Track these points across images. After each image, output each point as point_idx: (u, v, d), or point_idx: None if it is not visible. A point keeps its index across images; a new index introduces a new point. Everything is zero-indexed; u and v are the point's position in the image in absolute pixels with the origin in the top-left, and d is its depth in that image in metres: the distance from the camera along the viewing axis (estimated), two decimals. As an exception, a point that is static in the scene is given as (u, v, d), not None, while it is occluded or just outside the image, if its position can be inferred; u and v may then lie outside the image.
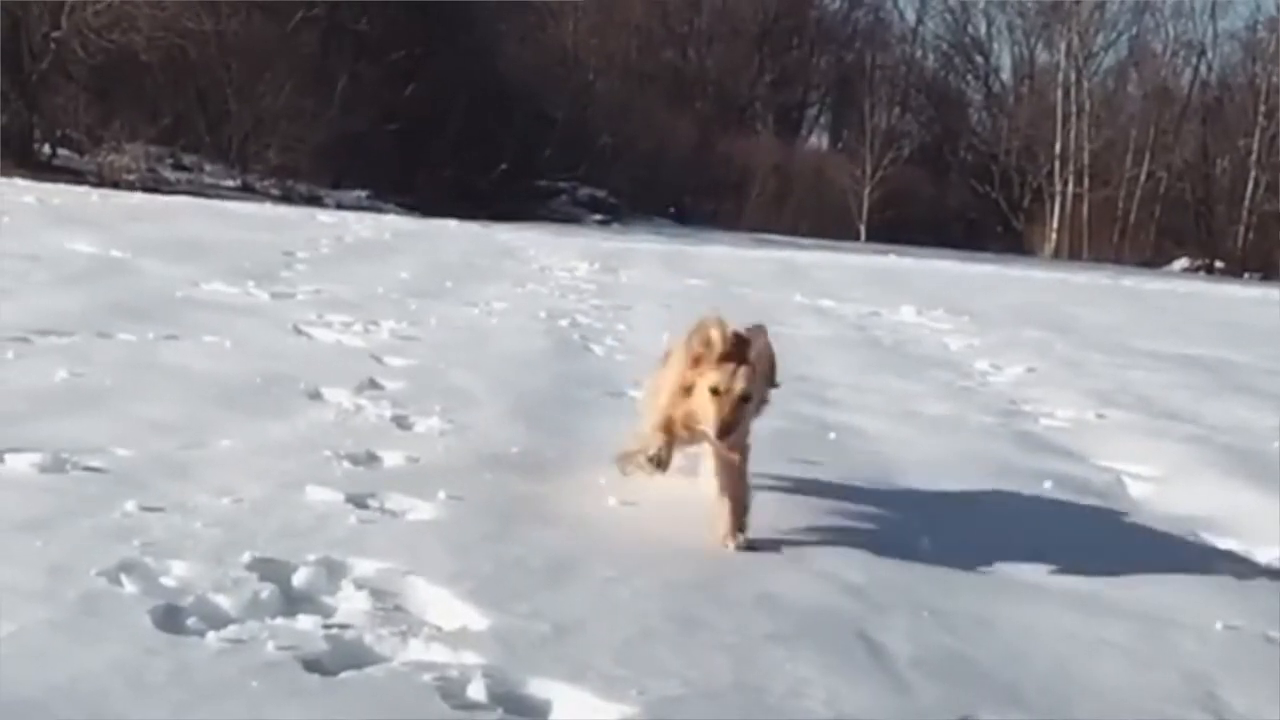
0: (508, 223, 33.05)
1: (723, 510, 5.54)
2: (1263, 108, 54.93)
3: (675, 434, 5.51)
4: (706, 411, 5.35)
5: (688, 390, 5.43)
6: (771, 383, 5.70)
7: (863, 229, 53.16)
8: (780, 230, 47.03)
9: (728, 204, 50.78)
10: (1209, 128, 58.09)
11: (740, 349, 5.44)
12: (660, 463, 5.46)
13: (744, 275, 22.83)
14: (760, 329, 5.66)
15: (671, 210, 48.27)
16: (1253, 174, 54.46)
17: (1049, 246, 55.39)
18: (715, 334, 5.44)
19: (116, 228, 18.92)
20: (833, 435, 8.11)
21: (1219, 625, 5.14)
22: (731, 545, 5.46)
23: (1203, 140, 57.67)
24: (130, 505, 5.39)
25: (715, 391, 5.32)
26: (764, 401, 5.68)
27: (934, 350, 13.95)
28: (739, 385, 5.33)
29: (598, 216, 43.17)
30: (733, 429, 5.35)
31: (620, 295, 16.65)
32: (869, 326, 15.85)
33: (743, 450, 5.62)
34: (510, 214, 36.28)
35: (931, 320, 17.03)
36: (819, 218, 52.47)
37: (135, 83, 36.76)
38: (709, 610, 4.79)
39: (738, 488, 5.58)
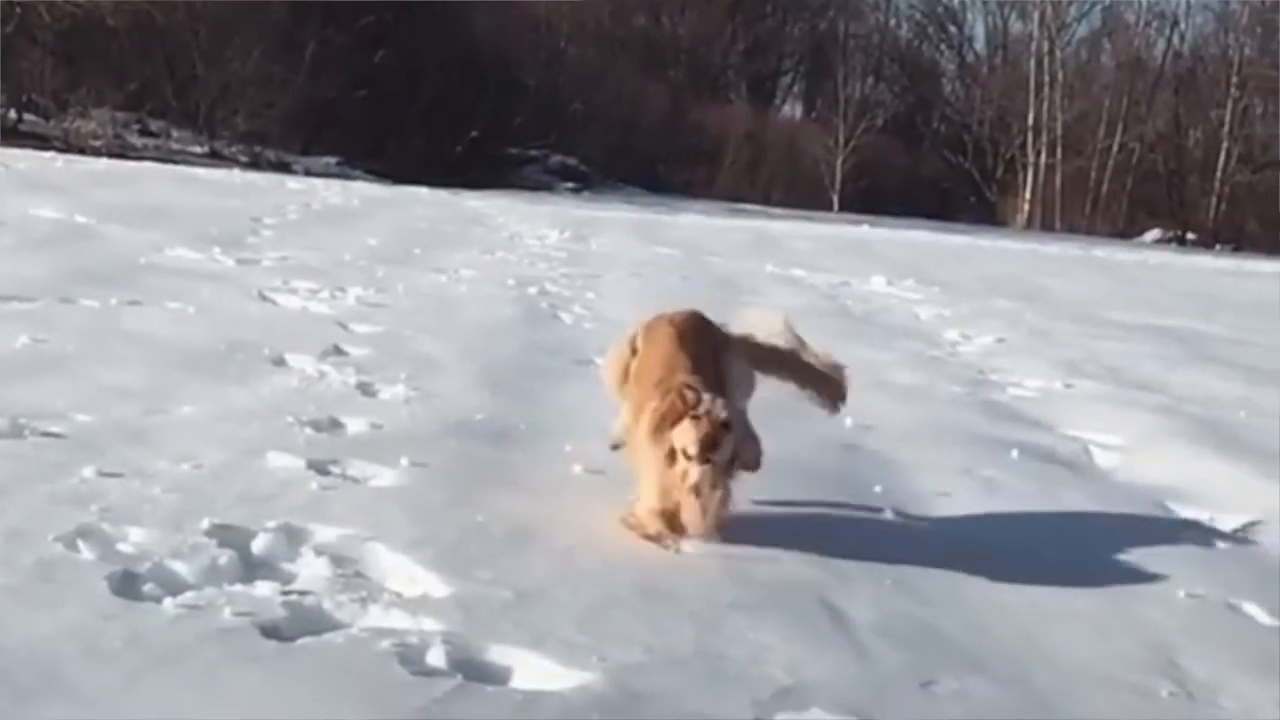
0: (479, 190, 32.93)
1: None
2: (1235, 79, 54.91)
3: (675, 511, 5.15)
4: (687, 436, 5.00)
5: (672, 456, 5.07)
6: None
7: (836, 198, 53.06)
8: (753, 199, 46.94)
9: (701, 172, 50.61)
10: (1181, 99, 58.05)
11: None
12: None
13: (716, 244, 22.79)
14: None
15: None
16: (1225, 145, 54.49)
17: (1021, 217, 55.37)
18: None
19: (82, 193, 18.76)
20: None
21: (1182, 593, 5.15)
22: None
23: (1175, 111, 57.64)
24: (89, 471, 5.35)
25: (695, 417, 5.01)
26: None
27: (904, 320, 13.96)
28: (720, 412, 5.03)
29: (569, 184, 42.96)
30: (716, 446, 4.98)
31: (590, 263, 16.59)
32: (840, 296, 15.83)
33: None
34: (481, 182, 36.10)
35: (902, 290, 17.03)
36: (792, 187, 52.30)
37: (102, 48, 36.31)
38: (673, 578, 4.77)
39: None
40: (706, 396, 5.07)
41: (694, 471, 5.01)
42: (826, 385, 6.10)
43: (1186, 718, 4.06)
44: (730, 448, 5.06)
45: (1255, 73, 54.97)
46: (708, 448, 4.97)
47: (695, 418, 4.99)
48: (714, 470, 5.02)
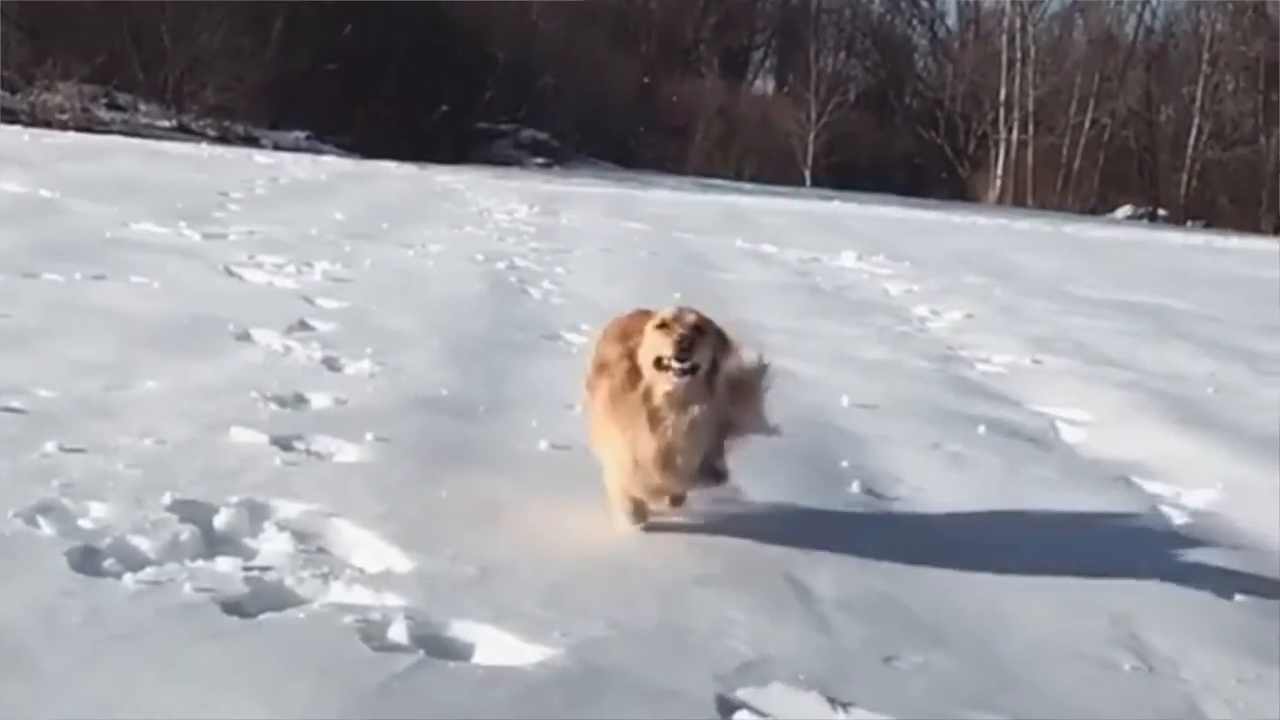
0: (448, 165, 32.83)
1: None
2: (1206, 55, 55.06)
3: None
4: (658, 343, 4.61)
5: (631, 365, 4.69)
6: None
7: (808, 174, 53.06)
8: (725, 174, 46.92)
9: (672, 148, 50.55)
10: (1153, 75, 58.20)
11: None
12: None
13: (686, 220, 22.75)
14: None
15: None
16: (1196, 121, 54.61)
17: (993, 193, 55.46)
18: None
19: (47, 167, 18.61)
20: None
21: (1146, 568, 5.16)
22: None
23: (1147, 87, 57.79)
24: (50, 446, 5.31)
25: (663, 325, 4.65)
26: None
27: (874, 296, 13.97)
28: (689, 316, 4.67)
29: (539, 159, 42.85)
30: (693, 350, 4.56)
31: (560, 239, 16.55)
32: (810, 272, 15.83)
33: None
34: (451, 156, 36.02)
35: (872, 266, 17.04)
36: (764, 162, 52.30)
37: (68, 21, 36.00)
38: (638, 554, 4.76)
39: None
40: (667, 309, 4.76)
41: (664, 382, 4.63)
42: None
43: (1148, 691, 4.06)
44: (709, 353, 4.67)
45: (1227, 49, 55.19)
46: (685, 348, 4.56)
47: (662, 325, 4.65)
48: (694, 385, 4.64)
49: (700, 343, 4.62)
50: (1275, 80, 53.93)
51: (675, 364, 4.58)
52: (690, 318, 4.66)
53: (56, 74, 34.79)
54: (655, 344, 4.63)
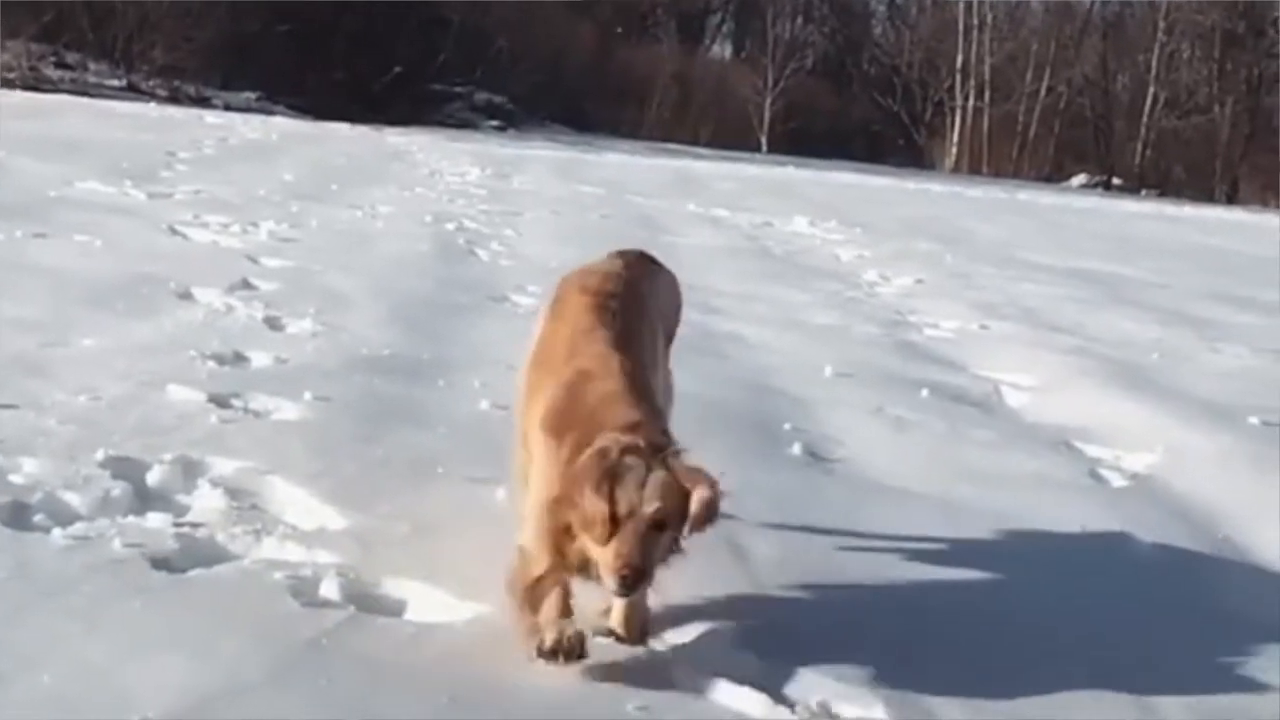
0: (402, 127, 32.61)
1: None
2: (1162, 24, 55.38)
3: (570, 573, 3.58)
4: (601, 553, 3.44)
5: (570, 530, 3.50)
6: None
7: (764, 140, 52.99)
8: (681, 140, 46.81)
9: (628, 112, 50.37)
10: (1109, 43, 58.50)
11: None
12: (568, 653, 3.50)
13: (639, 183, 22.71)
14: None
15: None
16: (1151, 90, 54.96)
17: (949, 160, 55.61)
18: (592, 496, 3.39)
19: (-8, 125, 18.40)
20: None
21: (1082, 531, 5.19)
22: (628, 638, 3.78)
23: (1103, 55, 58.07)
24: (-18, 403, 5.24)
25: (614, 521, 3.39)
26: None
27: (824, 261, 13.98)
28: (651, 507, 3.41)
29: (494, 122, 42.61)
30: (642, 576, 3.44)
31: (510, 201, 16.48)
32: (761, 237, 15.84)
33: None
34: (404, 118, 35.72)
35: (824, 231, 17.07)
36: (720, 128, 52.20)
37: (17, -23, 35.59)
38: (575, 512, 4.73)
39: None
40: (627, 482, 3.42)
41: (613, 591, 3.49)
42: None
43: (1081, 654, 4.07)
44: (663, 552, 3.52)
45: (1183, 18, 55.48)
46: (633, 579, 3.43)
47: (613, 520, 3.39)
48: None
49: (652, 549, 3.46)
50: (1230, 49, 54.29)
51: (613, 588, 3.48)
52: (652, 509, 3.41)
53: (4, 32, 34.29)
54: (592, 513, 3.41)
